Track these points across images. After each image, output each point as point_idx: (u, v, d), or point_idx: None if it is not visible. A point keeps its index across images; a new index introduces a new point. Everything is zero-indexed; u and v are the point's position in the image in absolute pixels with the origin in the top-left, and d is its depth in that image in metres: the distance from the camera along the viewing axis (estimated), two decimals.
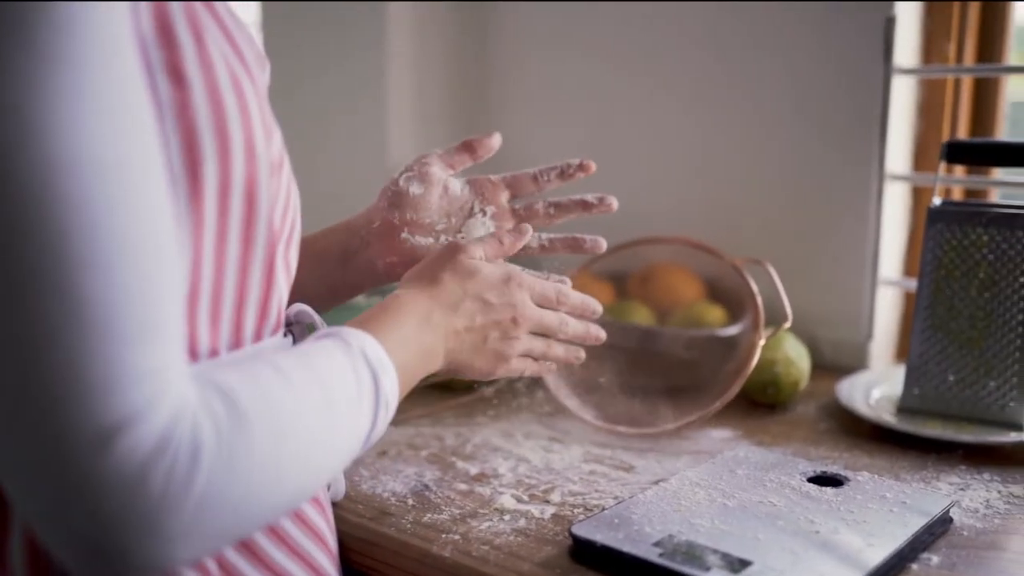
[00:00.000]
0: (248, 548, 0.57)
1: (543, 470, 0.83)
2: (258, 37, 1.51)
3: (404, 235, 0.78)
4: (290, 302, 0.66)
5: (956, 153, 0.94)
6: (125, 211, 0.44)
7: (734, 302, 1.05)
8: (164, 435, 0.43)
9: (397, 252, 0.78)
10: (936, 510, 0.70)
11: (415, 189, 0.78)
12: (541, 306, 0.73)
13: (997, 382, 0.91)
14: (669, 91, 1.27)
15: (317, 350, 0.56)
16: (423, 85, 1.39)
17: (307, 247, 0.79)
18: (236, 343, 0.56)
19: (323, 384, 0.53)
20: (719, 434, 0.93)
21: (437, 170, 0.80)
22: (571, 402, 0.95)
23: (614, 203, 0.83)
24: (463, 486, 0.80)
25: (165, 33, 0.49)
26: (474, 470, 0.83)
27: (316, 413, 0.52)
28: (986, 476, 0.81)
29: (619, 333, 1.03)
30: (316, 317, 0.69)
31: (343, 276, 0.79)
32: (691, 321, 1.09)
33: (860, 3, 1.09)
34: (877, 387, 1.03)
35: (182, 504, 0.44)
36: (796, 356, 1.01)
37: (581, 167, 0.83)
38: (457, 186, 0.81)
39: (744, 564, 0.61)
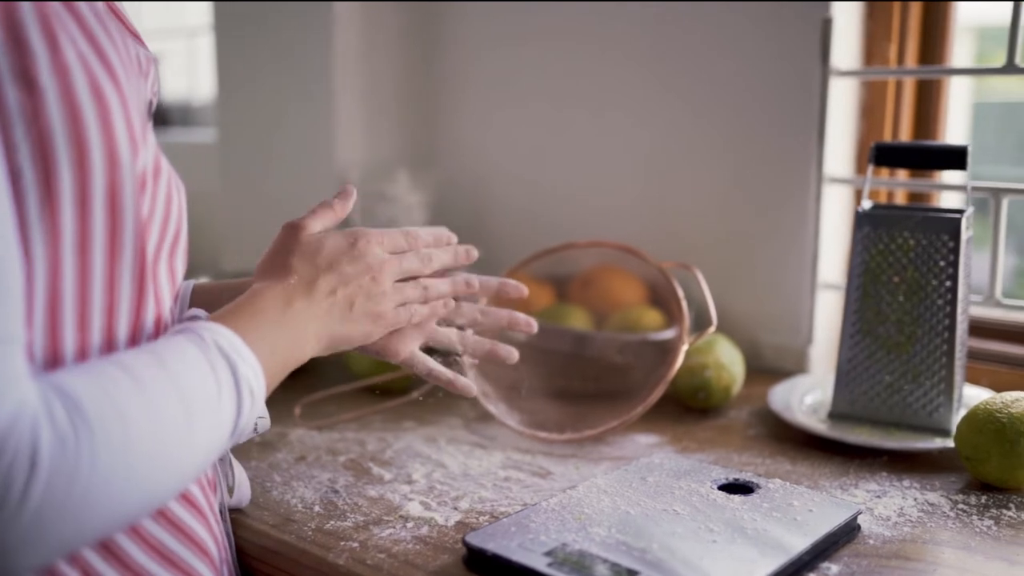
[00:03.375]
0: (116, 556, 0.56)
1: (458, 476, 0.82)
2: (210, 38, 1.50)
3: None
4: None
5: (884, 156, 0.93)
6: None
7: (672, 306, 1.04)
8: None
9: None
10: (840, 519, 0.69)
11: None
12: (397, 253, 0.72)
13: (924, 387, 0.90)
14: (613, 93, 1.26)
15: (169, 347, 0.54)
16: (371, 86, 1.38)
17: (213, 294, 0.75)
18: (109, 350, 0.55)
19: (176, 381, 0.52)
20: (645, 440, 0.93)
21: None
22: (497, 407, 0.94)
23: (533, 326, 0.84)
24: (373, 492, 0.79)
25: (13, 36, 0.48)
26: (388, 476, 0.82)
27: (169, 412, 0.51)
28: (905, 483, 0.81)
29: (552, 337, 1.02)
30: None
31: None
32: (628, 325, 1.09)
33: (798, 4, 1.08)
34: (811, 392, 1.02)
35: (19, 513, 0.44)
36: (728, 360, 1.00)
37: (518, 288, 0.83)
38: None
39: (632, 574, 0.61)
